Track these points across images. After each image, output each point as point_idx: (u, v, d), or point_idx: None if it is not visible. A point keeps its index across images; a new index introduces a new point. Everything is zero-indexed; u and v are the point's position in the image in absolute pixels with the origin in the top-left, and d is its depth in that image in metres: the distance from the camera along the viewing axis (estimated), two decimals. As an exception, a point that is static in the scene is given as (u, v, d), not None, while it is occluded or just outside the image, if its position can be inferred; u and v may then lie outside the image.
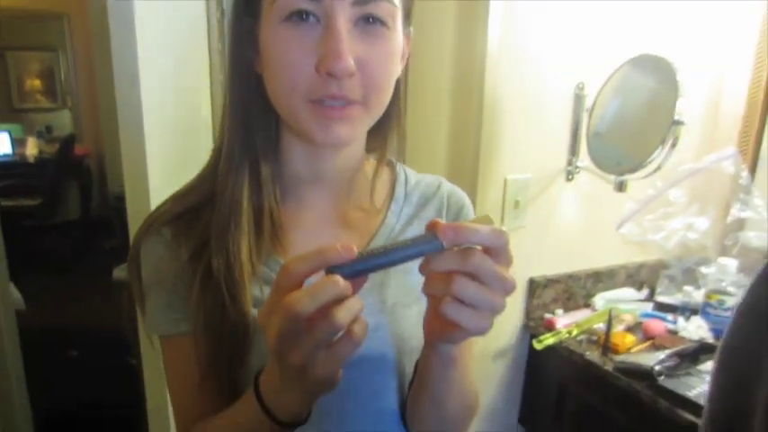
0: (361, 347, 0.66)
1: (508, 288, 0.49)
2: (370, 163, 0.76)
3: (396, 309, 0.70)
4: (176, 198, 0.71)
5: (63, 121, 5.71)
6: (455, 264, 0.48)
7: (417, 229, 0.75)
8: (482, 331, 0.51)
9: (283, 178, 0.71)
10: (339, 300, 0.46)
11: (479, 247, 0.49)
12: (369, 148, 0.76)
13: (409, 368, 0.71)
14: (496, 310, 0.50)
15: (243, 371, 0.65)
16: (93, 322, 3.70)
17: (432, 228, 0.48)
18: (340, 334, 0.48)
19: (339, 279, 0.45)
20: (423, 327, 0.57)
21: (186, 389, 0.68)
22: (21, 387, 1.98)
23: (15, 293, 2.17)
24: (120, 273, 1.32)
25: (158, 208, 0.71)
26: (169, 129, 1.32)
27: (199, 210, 0.68)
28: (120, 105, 1.26)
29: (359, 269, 0.47)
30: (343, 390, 0.67)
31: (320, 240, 0.70)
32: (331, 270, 0.46)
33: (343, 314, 0.45)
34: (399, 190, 0.78)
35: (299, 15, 0.58)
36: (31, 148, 5.24)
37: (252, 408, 0.56)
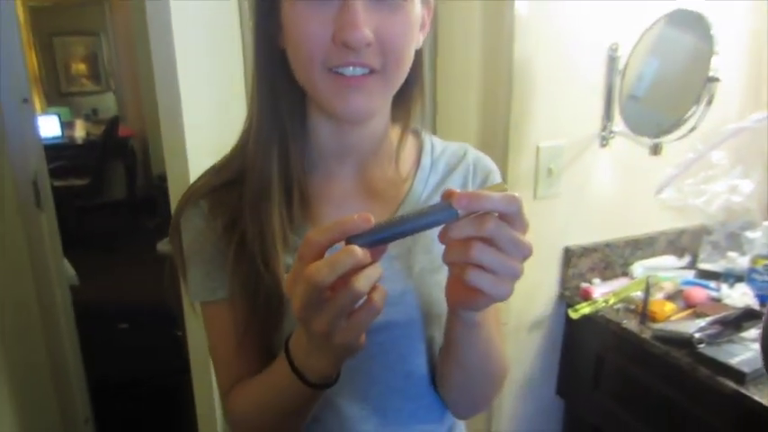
0: (390, 312, 0.68)
1: (525, 253, 0.50)
2: (396, 133, 0.77)
3: (423, 275, 0.71)
4: (212, 172, 0.74)
5: (108, 104, 5.88)
6: (471, 230, 0.49)
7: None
8: (503, 296, 0.51)
9: (311, 152, 0.72)
10: (358, 269, 0.47)
11: (496, 214, 0.49)
12: (393, 118, 0.76)
13: (437, 332, 0.73)
14: (515, 275, 0.50)
15: (277, 335, 0.68)
16: (141, 297, 3.85)
17: (447, 197, 0.49)
18: (360, 302, 0.49)
19: (356, 249, 0.47)
20: (445, 294, 0.58)
21: (226, 352, 0.72)
22: (76, 358, 2.09)
23: (69, 270, 2.27)
24: (163, 246, 1.38)
25: (195, 182, 0.74)
26: (206, 108, 1.36)
27: (233, 183, 0.70)
28: (158, 87, 1.29)
29: (377, 239, 0.49)
30: (374, 353, 0.70)
31: (348, 210, 0.71)
32: (350, 240, 0.48)
33: (362, 282, 0.47)
34: (425, 159, 0.78)
35: None
36: (79, 130, 5.43)
37: (284, 370, 0.59)
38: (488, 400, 0.78)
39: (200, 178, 0.74)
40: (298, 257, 0.49)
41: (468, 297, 0.54)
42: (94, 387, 2.19)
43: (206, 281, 0.70)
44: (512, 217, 0.49)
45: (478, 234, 0.49)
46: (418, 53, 0.68)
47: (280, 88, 0.68)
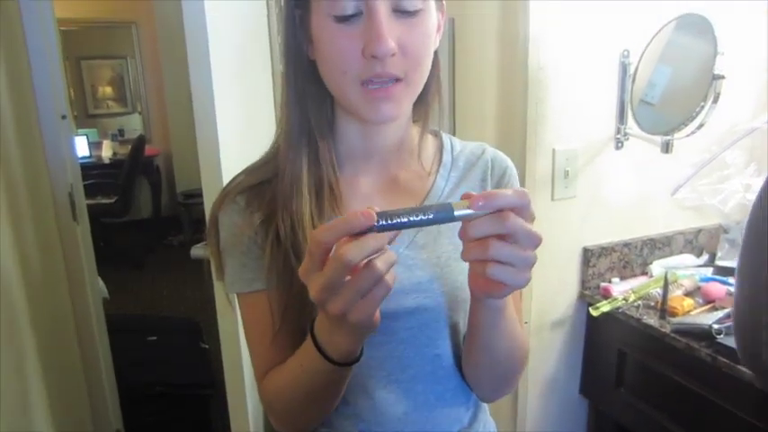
0: (420, 298, 0.74)
1: (537, 242, 0.55)
2: (416, 131, 0.82)
3: (449, 263, 0.76)
4: (248, 172, 0.80)
5: (133, 125, 6.04)
6: (492, 228, 0.53)
7: (464, 191, 0.80)
8: (523, 285, 0.57)
9: (340, 152, 0.78)
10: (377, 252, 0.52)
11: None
12: (414, 118, 0.81)
13: (462, 317, 0.78)
14: (531, 263, 0.55)
15: (310, 324, 0.73)
16: (168, 310, 3.95)
17: (465, 198, 0.54)
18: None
19: (383, 235, 0.51)
20: (468, 284, 0.63)
21: (262, 341, 0.76)
22: (108, 367, 2.15)
23: (100, 282, 2.35)
24: (197, 251, 1.42)
25: (231, 181, 0.79)
26: (238, 119, 1.42)
27: (267, 183, 0.76)
28: (196, 106, 1.34)
29: (386, 228, 0.52)
30: (404, 338, 0.75)
31: (376, 203, 0.76)
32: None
33: (382, 264, 0.52)
34: (446, 156, 0.83)
35: (346, 18, 0.65)
36: (106, 150, 5.59)
37: (310, 350, 0.63)
38: (511, 382, 0.81)
39: (235, 178, 0.79)
40: (307, 253, 0.53)
41: (490, 288, 0.59)
42: (125, 394, 2.25)
43: (243, 272, 0.75)
44: (522, 210, 0.54)
45: (500, 231, 0.53)
46: (435, 54, 0.74)
47: (308, 95, 0.74)
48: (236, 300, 0.79)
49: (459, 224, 0.73)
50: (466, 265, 0.77)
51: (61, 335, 1.85)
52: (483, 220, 0.53)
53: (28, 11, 1.68)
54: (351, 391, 0.75)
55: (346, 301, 0.53)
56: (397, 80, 0.67)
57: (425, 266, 0.75)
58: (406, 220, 0.52)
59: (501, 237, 0.53)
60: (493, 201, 0.52)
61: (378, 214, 0.51)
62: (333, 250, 0.52)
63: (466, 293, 0.75)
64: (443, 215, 0.52)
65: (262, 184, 0.76)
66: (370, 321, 0.56)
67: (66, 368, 1.88)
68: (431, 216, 0.52)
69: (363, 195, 0.78)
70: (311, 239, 0.52)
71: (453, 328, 0.79)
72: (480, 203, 0.52)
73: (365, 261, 0.51)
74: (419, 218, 0.52)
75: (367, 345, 0.74)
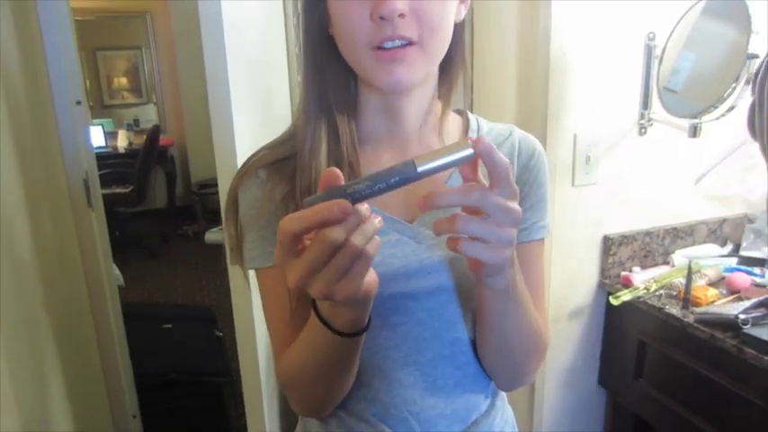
0: (440, 278, 0.72)
1: (514, 217, 0.53)
2: (440, 108, 0.79)
3: None
4: (269, 148, 0.78)
5: (149, 115, 6.07)
6: (457, 200, 0.52)
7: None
8: (498, 263, 0.55)
9: (361, 130, 0.76)
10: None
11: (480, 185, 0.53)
12: (439, 95, 0.79)
13: None
14: (508, 242, 0.54)
15: None
16: (182, 299, 3.97)
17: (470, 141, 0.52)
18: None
19: (363, 208, 0.49)
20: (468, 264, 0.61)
21: (281, 318, 0.74)
22: (124, 354, 2.16)
23: (115, 270, 2.36)
24: (212, 236, 1.41)
25: (253, 156, 0.77)
26: (254, 103, 1.40)
27: (288, 159, 0.74)
28: (211, 95, 1.33)
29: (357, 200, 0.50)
30: (422, 319, 0.73)
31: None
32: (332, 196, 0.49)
33: (359, 238, 0.49)
34: (472, 135, 0.80)
35: None
36: (122, 140, 5.62)
37: (316, 324, 0.61)
38: (529, 371, 0.78)
39: (256, 153, 0.77)
40: (278, 243, 0.51)
41: (474, 266, 0.57)
42: (141, 381, 2.26)
43: (263, 246, 0.73)
44: (501, 182, 0.52)
45: (466, 204, 0.51)
46: (459, 27, 0.71)
47: (328, 71, 0.72)
48: (256, 277, 0.77)
49: None
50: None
51: (78, 321, 1.86)
52: (450, 190, 0.52)
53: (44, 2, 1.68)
54: (366, 372, 0.73)
55: (327, 283, 0.51)
56: (411, 43, 0.64)
57: (445, 247, 0.73)
58: (370, 186, 0.49)
59: (475, 212, 0.52)
60: (491, 154, 0.51)
61: (347, 192, 0.49)
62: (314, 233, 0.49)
63: None
64: (408, 174, 0.50)
65: (283, 160, 0.75)
66: (357, 295, 0.53)
67: (82, 354, 1.88)
68: (396, 179, 0.50)
69: None
70: (280, 229, 0.50)
71: (473, 311, 0.76)
72: (481, 148, 0.51)
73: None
74: (384, 183, 0.49)
75: (384, 325, 0.72)
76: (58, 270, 1.66)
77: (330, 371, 0.68)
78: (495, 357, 0.75)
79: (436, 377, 0.75)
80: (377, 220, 0.51)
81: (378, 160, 0.76)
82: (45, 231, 1.56)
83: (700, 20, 1.36)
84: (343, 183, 0.50)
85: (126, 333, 2.21)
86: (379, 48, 0.64)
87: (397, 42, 0.63)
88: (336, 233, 0.48)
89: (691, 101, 1.39)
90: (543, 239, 0.81)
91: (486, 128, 0.82)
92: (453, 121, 0.81)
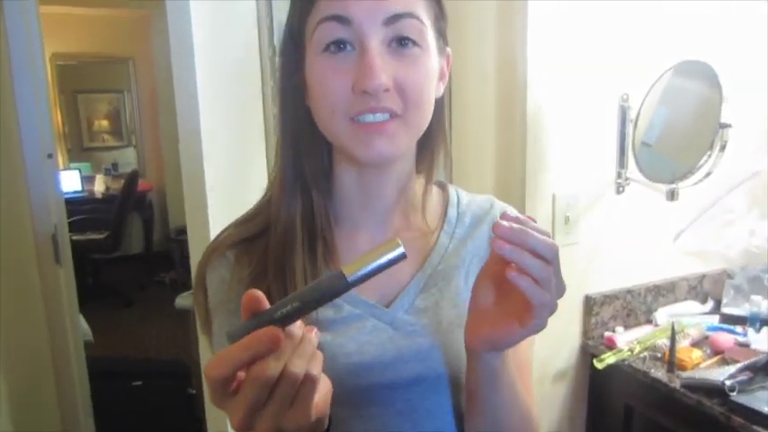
0: (419, 368, 0.67)
1: (562, 291, 0.53)
2: (421, 184, 0.77)
3: (451, 329, 0.70)
4: (237, 225, 0.74)
5: (128, 158, 6.02)
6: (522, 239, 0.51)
7: (470, 249, 0.75)
8: (540, 326, 0.53)
9: (336, 203, 0.73)
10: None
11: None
12: (417, 169, 0.77)
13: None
14: (553, 307, 0.53)
15: None
16: (155, 353, 3.84)
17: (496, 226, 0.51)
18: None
19: (295, 332, 0.46)
20: (464, 332, 0.58)
21: None
22: (87, 415, 2.06)
23: (84, 325, 2.27)
24: (182, 301, 1.36)
25: (220, 234, 0.74)
26: (227, 161, 1.39)
27: (258, 236, 0.71)
28: (182, 141, 1.32)
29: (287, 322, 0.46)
30: (401, 410, 0.68)
31: None
32: (257, 323, 0.45)
33: (299, 363, 0.45)
34: (452, 211, 0.78)
35: (336, 45, 0.61)
36: (99, 185, 5.54)
37: None
38: None
39: (224, 231, 0.74)
40: (209, 387, 0.46)
41: (496, 328, 0.55)
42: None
43: None
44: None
45: (541, 252, 0.51)
46: (439, 102, 0.70)
47: (304, 143, 0.69)
48: None
49: (463, 286, 0.67)
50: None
51: (38, 382, 1.77)
52: (534, 235, 0.51)
53: (17, 50, 1.65)
54: None
55: (273, 417, 0.46)
56: (393, 116, 0.62)
57: (426, 333, 0.69)
58: (299, 308, 0.46)
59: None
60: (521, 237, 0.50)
61: (275, 318, 0.45)
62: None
63: None
64: (339, 287, 0.47)
65: (253, 237, 0.71)
66: (309, 421, 0.48)
67: (42, 415, 1.79)
68: (327, 294, 0.47)
69: (361, 250, 0.72)
70: (206, 374, 0.45)
71: (456, 401, 0.72)
72: (506, 232, 0.50)
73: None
74: (314, 301, 0.47)
75: (360, 417, 0.67)
76: (19, 325, 1.59)
77: None
78: None
79: None
80: (313, 334, 0.47)
81: (354, 238, 0.73)
82: (7, 289, 1.50)
83: (675, 79, 1.39)
84: (266, 305, 0.46)
85: (92, 392, 2.12)
86: (360, 120, 0.62)
87: (379, 116, 0.62)
88: (271, 367, 0.44)
89: (664, 154, 1.41)
90: None
91: (466, 200, 0.80)
92: (434, 196, 0.79)
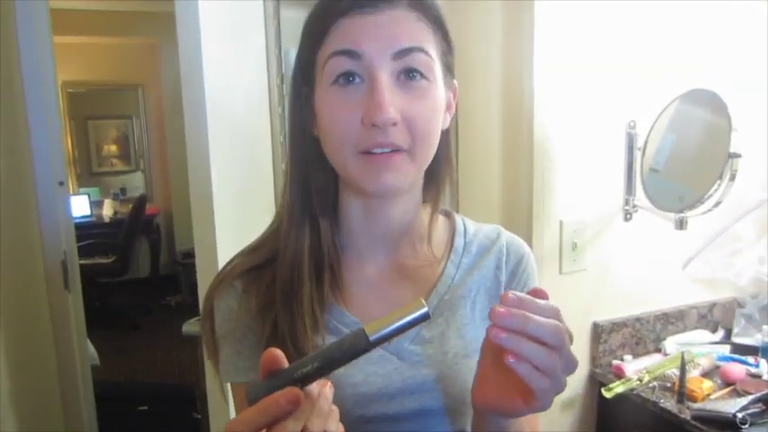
0: (424, 399, 0.67)
1: (574, 368, 0.51)
2: (427, 213, 0.77)
3: (457, 360, 0.70)
4: (245, 254, 0.75)
5: (136, 183, 6.08)
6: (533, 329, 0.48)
7: (477, 279, 0.75)
8: (545, 405, 0.51)
9: (343, 233, 0.73)
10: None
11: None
12: (424, 199, 0.77)
13: (470, 423, 0.70)
14: (559, 387, 0.51)
15: None
16: (161, 377, 3.82)
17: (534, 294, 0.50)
18: None
19: (313, 393, 0.46)
20: (471, 392, 0.58)
21: None
22: (95, 440, 2.05)
23: (91, 349, 2.27)
24: (189, 327, 1.36)
25: (229, 263, 0.74)
26: (235, 188, 1.40)
27: (266, 265, 0.71)
28: (191, 167, 1.34)
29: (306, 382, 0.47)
30: (405, 443, 0.68)
31: (380, 290, 0.72)
32: (274, 383, 0.46)
33: (317, 424, 0.46)
34: (458, 240, 0.78)
35: (346, 77, 0.62)
36: (107, 209, 5.58)
37: None
38: None
39: (232, 260, 0.74)
40: None
41: (501, 400, 0.54)
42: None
43: (238, 361, 0.69)
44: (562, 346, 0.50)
45: (538, 334, 0.48)
46: (446, 134, 0.71)
47: (312, 173, 0.70)
48: (231, 390, 0.73)
49: (469, 317, 0.66)
50: (476, 363, 0.71)
51: (45, 406, 1.76)
52: (525, 315, 0.49)
53: (31, 79, 1.68)
54: None
55: None
56: (400, 150, 0.63)
57: (432, 364, 0.69)
58: (320, 367, 0.46)
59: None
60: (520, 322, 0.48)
61: (294, 377, 0.45)
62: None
63: None
64: (360, 346, 0.47)
65: (260, 266, 0.71)
66: None
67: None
68: (347, 354, 0.47)
69: (368, 282, 0.73)
70: None
71: (461, 430, 0.72)
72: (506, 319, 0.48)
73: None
74: (335, 361, 0.47)
75: (362, 449, 0.67)
76: (27, 350, 1.59)
77: None
78: None
79: None
80: (327, 389, 0.47)
81: (362, 268, 0.73)
82: (14, 315, 1.50)
83: (682, 107, 1.40)
84: (285, 364, 0.46)
85: (98, 416, 2.10)
86: (368, 152, 0.63)
87: (387, 149, 0.62)
88: (290, 430, 0.44)
89: (672, 181, 1.41)
90: None
91: (473, 230, 0.80)
92: (440, 225, 0.79)
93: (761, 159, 1.62)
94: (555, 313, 0.51)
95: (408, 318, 0.47)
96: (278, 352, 0.47)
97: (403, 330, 0.47)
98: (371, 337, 0.46)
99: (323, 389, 0.47)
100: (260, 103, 1.44)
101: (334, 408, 0.48)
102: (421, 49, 0.63)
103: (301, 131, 0.70)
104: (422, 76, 0.63)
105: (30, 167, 1.69)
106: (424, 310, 0.47)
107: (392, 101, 0.61)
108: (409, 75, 0.63)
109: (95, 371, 2.21)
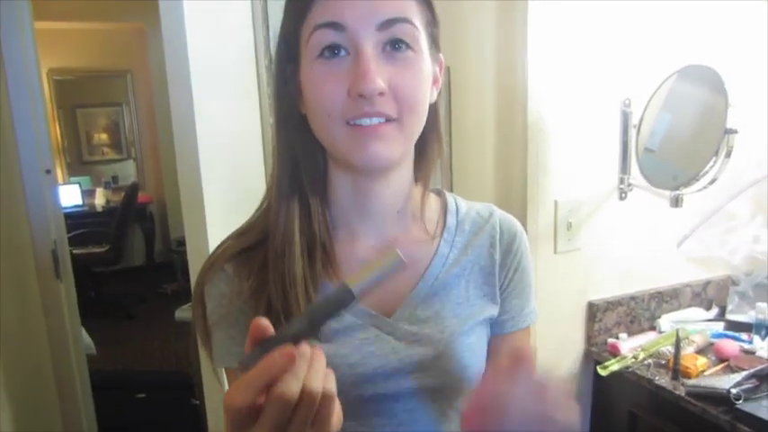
0: (422, 377, 0.67)
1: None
2: (419, 192, 0.76)
3: (454, 337, 0.70)
4: (235, 237, 0.74)
5: (127, 171, 6.03)
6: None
7: (471, 258, 0.75)
8: None
9: (334, 212, 0.73)
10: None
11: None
12: (415, 177, 0.76)
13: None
14: None
15: None
16: (158, 365, 3.83)
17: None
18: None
19: (307, 348, 0.45)
20: (461, 417, 0.59)
21: None
22: (91, 428, 2.05)
23: (87, 339, 2.26)
24: (182, 313, 1.35)
25: (218, 247, 0.73)
26: (225, 173, 1.38)
27: (257, 246, 0.70)
28: (178, 153, 1.32)
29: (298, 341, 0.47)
30: (403, 420, 0.68)
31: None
32: (264, 346, 0.45)
33: (315, 383, 0.45)
34: (451, 219, 0.77)
35: (330, 50, 0.61)
36: (99, 198, 5.55)
37: None
38: None
39: (222, 244, 0.73)
40: (229, 421, 0.45)
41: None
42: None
43: (231, 345, 0.69)
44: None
45: None
46: (434, 108, 0.70)
47: (300, 150, 0.69)
48: (225, 374, 0.73)
49: (464, 295, 0.70)
50: (472, 341, 0.71)
51: (41, 395, 1.76)
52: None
53: (13, 66, 1.65)
54: None
55: None
56: (389, 120, 0.62)
57: (428, 343, 0.69)
58: (310, 324, 0.47)
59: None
60: None
61: (287, 336, 0.45)
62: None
63: (474, 369, 0.70)
64: (345, 300, 0.48)
65: (251, 248, 0.71)
66: None
67: (46, 430, 1.78)
68: (335, 308, 0.48)
69: (360, 260, 0.72)
70: (227, 406, 0.44)
71: (458, 410, 0.71)
72: None
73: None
74: (324, 316, 0.48)
75: (362, 427, 0.67)
76: (21, 341, 1.58)
77: None
78: None
79: None
80: (320, 351, 0.47)
81: (353, 246, 0.73)
82: (8, 304, 1.49)
83: (678, 83, 1.38)
84: (271, 331, 0.46)
85: (96, 405, 2.11)
86: (356, 124, 0.62)
87: (375, 120, 0.62)
88: (291, 386, 0.43)
89: (668, 160, 1.40)
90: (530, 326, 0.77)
91: (465, 208, 0.79)
92: (432, 204, 0.78)
93: (757, 137, 1.61)
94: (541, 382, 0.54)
95: (385, 267, 0.49)
96: (265, 321, 0.46)
97: (381, 279, 0.49)
98: (353, 289, 0.47)
99: (315, 350, 0.47)
100: (248, 84, 1.41)
101: (330, 370, 0.47)
102: (406, 20, 0.62)
103: (288, 110, 0.68)
104: (407, 46, 0.62)
105: (15, 156, 1.66)
106: (399, 257, 0.49)
107: (378, 71, 0.60)
108: (395, 46, 0.62)
109: (92, 360, 2.21)
